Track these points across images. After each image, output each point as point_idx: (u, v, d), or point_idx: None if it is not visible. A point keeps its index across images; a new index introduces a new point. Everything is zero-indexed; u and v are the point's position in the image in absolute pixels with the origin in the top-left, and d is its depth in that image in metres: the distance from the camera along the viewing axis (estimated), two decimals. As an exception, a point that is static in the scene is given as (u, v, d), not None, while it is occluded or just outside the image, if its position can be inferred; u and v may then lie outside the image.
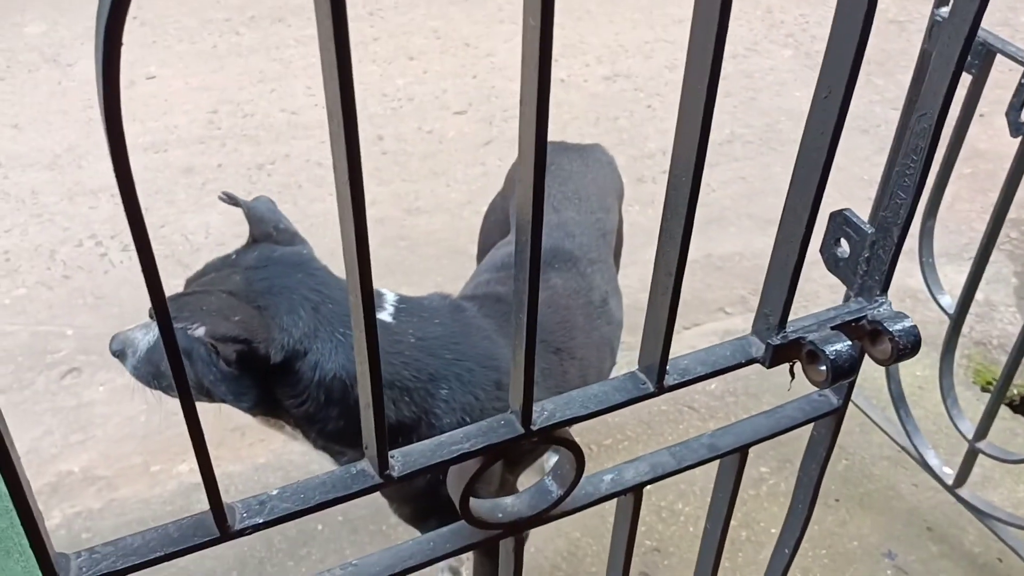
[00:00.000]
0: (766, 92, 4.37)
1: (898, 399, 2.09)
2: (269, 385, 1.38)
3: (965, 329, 3.12)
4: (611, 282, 1.89)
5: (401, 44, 4.62)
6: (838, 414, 0.97)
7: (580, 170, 2.01)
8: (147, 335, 1.53)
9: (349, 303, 1.17)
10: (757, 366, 0.83)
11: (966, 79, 1.73)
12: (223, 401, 1.41)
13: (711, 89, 0.62)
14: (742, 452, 0.93)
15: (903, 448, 2.04)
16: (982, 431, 2.03)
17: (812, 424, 0.99)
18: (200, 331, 1.29)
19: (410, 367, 1.41)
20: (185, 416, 0.63)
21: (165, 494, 2.29)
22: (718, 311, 3.07)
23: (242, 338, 1.29)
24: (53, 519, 2.23)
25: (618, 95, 4.31)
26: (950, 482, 2.11)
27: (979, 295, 3.24)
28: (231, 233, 3.29)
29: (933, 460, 2.12)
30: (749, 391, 2.69)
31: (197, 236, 3.29)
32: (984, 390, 2.77)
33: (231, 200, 1.57)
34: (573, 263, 1.77)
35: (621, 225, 2.15)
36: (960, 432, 2.06)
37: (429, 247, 3.28)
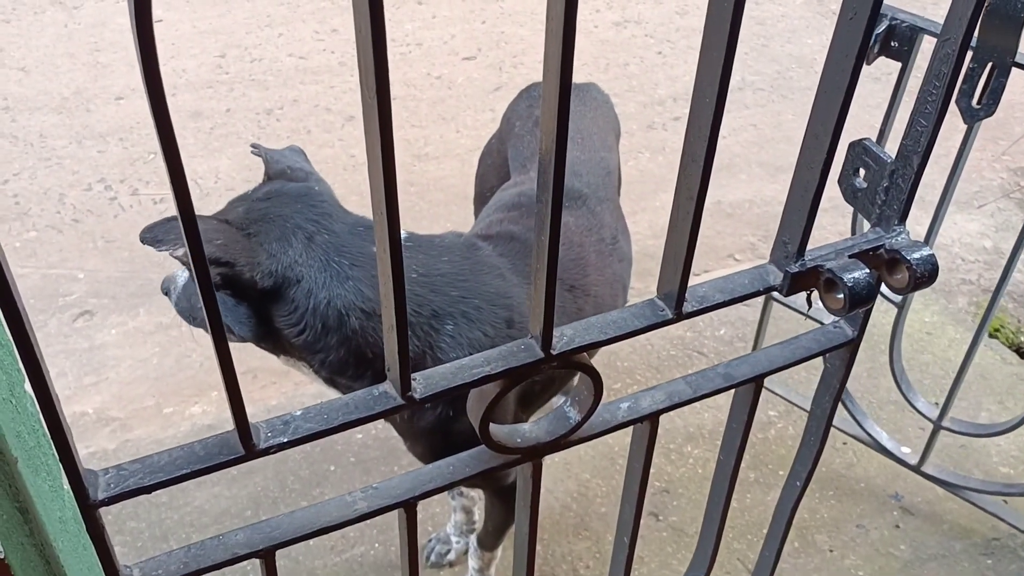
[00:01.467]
0: (777, 39, 4.32)
1: (897, 342, 2.08)
2: (266, 314, 1.39)
3: (973, 276, 3.12)
4: (619, 220, 1.89)
5: (410, -12, 4.57)
6: (852, 345, 0.97)
7: (579, 110, 2.00)
8: (185, 272, 1.53)
9: (349, 234, 1.18)
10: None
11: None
12: (233, 333, 1.42)
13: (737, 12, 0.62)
14: (757, 382, 0.94)
15: (904, 394, 2.05)
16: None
17: (825, 356, 0.99)
18: (179, 252, 1.31)
19: (410, 302, 1.41)
20: (213, 340, 0.64)
21: (178, 435, 2.31)
22: (728, 258, 3.07)
23: (223, 260, 1.30)
24: (69, 458, 2.26)
25: (628, 41, 4.27)
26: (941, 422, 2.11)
27: (988, 243, 3.23)
28: (241, 178, 3.29)
29: (922, 406, 2.11)
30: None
31: (207, 181, 3.29)
32: (992, 337, 2.78)
33: (258, 150, 1.58)
34: (583, 201, 1.77)
35: (619, 163, 2.14)
36: (921, 413, 2.06)
37: (438, 192, 3.27)
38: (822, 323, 2.10)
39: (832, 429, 2.20)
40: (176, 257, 1.32)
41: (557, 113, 0.63)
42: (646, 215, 3.24)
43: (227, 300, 1.35)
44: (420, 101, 3.76)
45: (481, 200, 2.16)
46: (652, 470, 1.70)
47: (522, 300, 1.52)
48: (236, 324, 1.38)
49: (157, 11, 4.28)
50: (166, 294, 1.59)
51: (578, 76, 4.09)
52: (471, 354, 1.46)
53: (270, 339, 1.43)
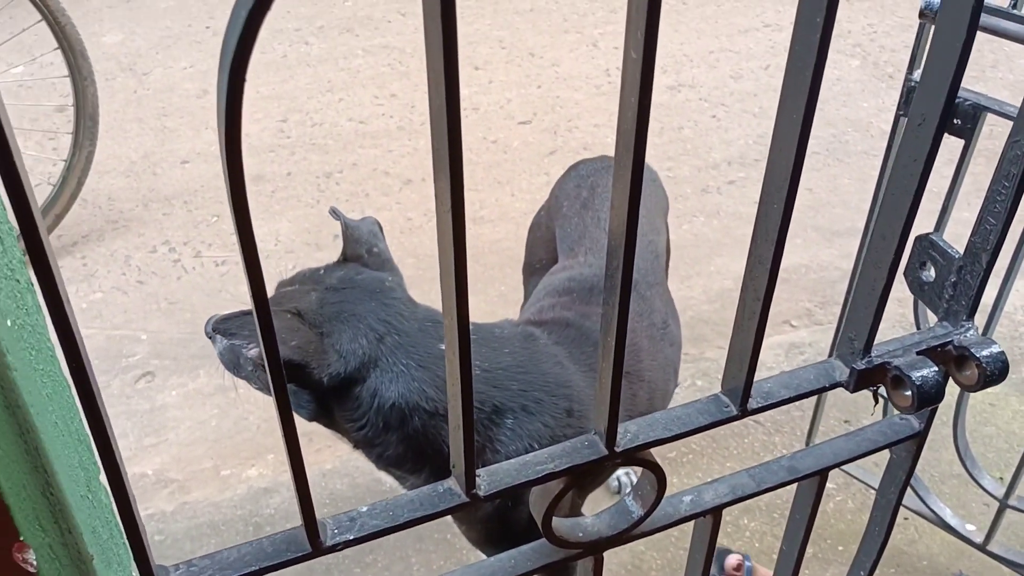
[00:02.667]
0: (832, 103, 4.31)
1: (961, 418, 2.04)
2: (328, 404, 1.40)
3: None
4: (669, 304, 1.89)
5: (467, 54, 4.65)
6: (919, 438, 0.95)
7: None
8: None
9: (417, 332, 1.19)
10: (841, 390, 0.82)
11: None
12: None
13: (808, 114, 0.62)
14: (821, 475, 0.93)
15: (969, 471, 2.00)
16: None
17: (891, 448, 0.97)
18: (253, 352, 1.33)
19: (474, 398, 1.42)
20: (287, 446, 0.65)
21: (235, 498, 2.33)
22: (784, 324, 3.04)
23: (296, 362, 1.31)
24: (128, 519, 2.28)
25: (682, 105, 4.29)
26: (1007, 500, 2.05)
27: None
28: (300, 241, 3.35)
29: (987, 484, 2.05)
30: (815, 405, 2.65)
31: (267, 243, 3.34)
32: (1059, 408, 2.70)
33: (337, 216, 1.60)
34: (634, 287, 1.76)
35: (668, 241, 2.14)
36: (987, 491, 2.00)
37: (493, 255, 3.29)
38: (881, 396, 2.07)
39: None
40: (249, 357, 1.34)
41: (627, 217, 0.63)
42: (700, 280, 3.22)
43: (290, 385, 1.37)
44: (476, 165, 3.81)
45: (530, 270, 2.17)
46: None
47: (581, 388, 1.52)
48: (296, 407, 1.40)
49: (222, 77, 4.40)
50: (209, 337, 1.60)
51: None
52: (530, 446, 1.47)
53: (328, 423, 1.45)
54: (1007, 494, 1.94)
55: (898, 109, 1.56)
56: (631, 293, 1.81)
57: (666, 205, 2.13)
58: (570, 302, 1.71)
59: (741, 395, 0.78)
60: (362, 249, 1.54)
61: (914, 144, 0.69)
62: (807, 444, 2.35)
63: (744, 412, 0.79)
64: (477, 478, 0.73)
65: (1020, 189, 0.75)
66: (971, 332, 0.83)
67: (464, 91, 4.33)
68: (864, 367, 0.80)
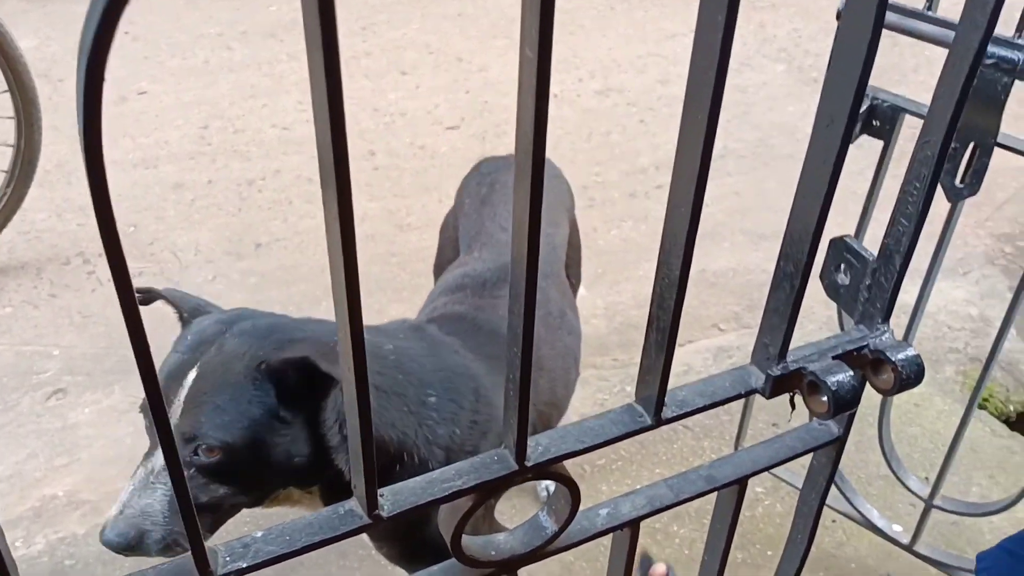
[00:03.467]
0: (759, 107, 4.37)
1: (886, 418, 2.06)
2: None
3: (959, 344, 3.10)
4: (567, 295, 1.92)
5: (393, 59, 4.61)
6: (839, 443, 0.94)
7: None
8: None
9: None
10: (757, 398, 0.81)
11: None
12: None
13: (713, 113, 0.60)
14: (741, 484, 0.91)
15: (894, 472, 2.02)
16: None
17: (812, 454, 0.97)
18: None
19: (399, 371, 1.45)
20: (169, 469, 0.61)
21: (152, 517, 2.25)
22: (712, 327, 3.05)
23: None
24: (36, 545, 2.19)
25: (611, 110, 4.30)
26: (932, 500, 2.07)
27: (973, 310, 3.23)
28: (220, 250, 3.27)
29: (914, 484, 2.07)
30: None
31: (186, 253, 3.26)
32: (981, 407, 2.76)
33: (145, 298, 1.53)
34: None
35: (576, 236, 2.14)
36: (912, 492, 2.03)
37: (420, 263, 3.26)
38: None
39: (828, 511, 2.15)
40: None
41: (529, 223, 0.61)
42: (629, 284, 3.23)
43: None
44: (403, 171, 3.77)
45: (439, 270, 2.17)
46: (637, 552, 1.67)
47: (482, 373, 1.53)
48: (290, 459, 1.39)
49: (141, 83, 4.31)
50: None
51: (561, 144, 4.11)
52: (453, 432, 1.46)
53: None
54: (932, 494, 1.96)
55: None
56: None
57: (570, 201, 2.14)
58: (463, 297, 1.73)
59: (655, 404, 0.77)
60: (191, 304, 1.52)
61: (823, 145, 0.68)
62: (736, 447, 2.36)
63: (659, 422, 0.77)
64: (380, 498, 0.69)
65: (931, 190, 0.75)
66: (887, 335, 0.83)
67: (391, 96, 4.29)
68: (780, 373, 0.79)
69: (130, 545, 1.30)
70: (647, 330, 0.76)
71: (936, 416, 2.69)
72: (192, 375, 1.31)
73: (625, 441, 2.62)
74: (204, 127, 4.02)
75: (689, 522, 2.31)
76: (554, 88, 4.46)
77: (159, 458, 1.29)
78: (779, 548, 2.27)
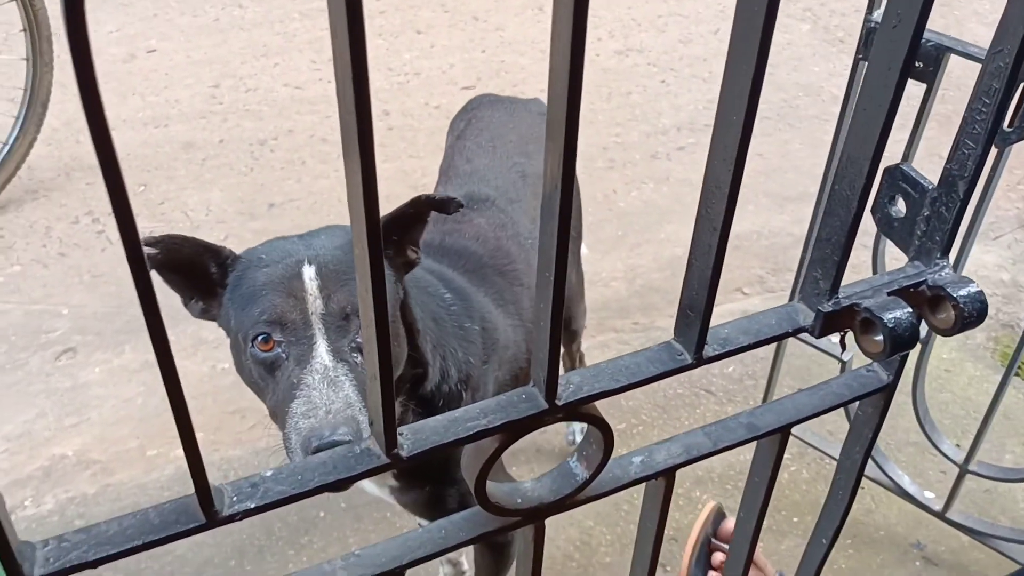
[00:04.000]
0: (783, 67, 4.28)
1: (920, 382, 2.00)
2: None
3: (991, 311, 3.03)
4: (535, 220, 1.92)
5: (408, 18, 4.53)
6: (887, 391, 0.89)
7: (501, 120, 2.04)
8: None
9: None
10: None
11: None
12: None
13: (758, 75, 0.54)
14: (783, 433, 0.86)
15: (928, 436, 1.96)
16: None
17: (857, 403, 0.91)
18: None
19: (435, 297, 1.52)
20: (164, 381, 0.56)
21: (162, 479, 2.23)
22: (736, 291, 2.99)
23: None
24: (46, 504, 2.17)
25: (631, 70, 4.22)
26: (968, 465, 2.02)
27: (1005, 275, 3.15)
28: (232, 211, 3.22)
29: (947, 449, 2.02)
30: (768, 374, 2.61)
31: (198, 213, 3.22)
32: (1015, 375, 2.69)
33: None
34: (490, 203, 1.81)
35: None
36: (947, 457, 1.97)
37: (436, 225, 3.20)
38: (841, 360, 2.02)
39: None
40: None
41: (563, 164, 0.55)
42: (650, 247, 3.16)
43: None
44: (418, 131, 3.70)
45: None
46: (711, 507, 1.62)
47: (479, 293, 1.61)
48: None
49: (151, 41, 4.25)
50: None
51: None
52: (468, 361, 1.45)
53: None
54: (967, 459, 1.91)
55: (857, 52, 1.51)
56: (491, 208, 1.85)
57: None
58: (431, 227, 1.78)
59: (696, 341, 0.71)
60: None
61: (888, 49, 0.62)
62: (761, 412, 2.30)
63: (699, 360, 0.72)
64: (399, 436, 0.64)
65: (1002, 106, 0.69)
66: (946, 271, 0.77)
67: (405, 55, 4.21)
68: (831, 310, 0.74)
69: (357, 437, 1.25)
70: (689, 260, 0.70)
71: (968, 382, 2.63)
72: (310, 268, 1.26)
73: (647, 406, 2.55)
74: (215, 86, 3.96)
75: (712, 487, 2.27)
76: (573, 48, 4.37)
77: (321, 357, 1.22)
78: (804, 515, 2.23)
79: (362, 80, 0.48)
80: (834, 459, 2.23)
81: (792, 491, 2.28)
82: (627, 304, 2.89)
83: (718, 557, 1.85)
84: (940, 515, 2.01)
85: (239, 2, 4.61)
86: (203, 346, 2.62)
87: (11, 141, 3.10)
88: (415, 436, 0.65)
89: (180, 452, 2.32)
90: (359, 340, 1.23)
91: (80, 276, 2.92)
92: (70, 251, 3.02)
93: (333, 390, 1.19)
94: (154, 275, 1.35)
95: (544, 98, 2.27)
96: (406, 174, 3.45)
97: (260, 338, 1.23)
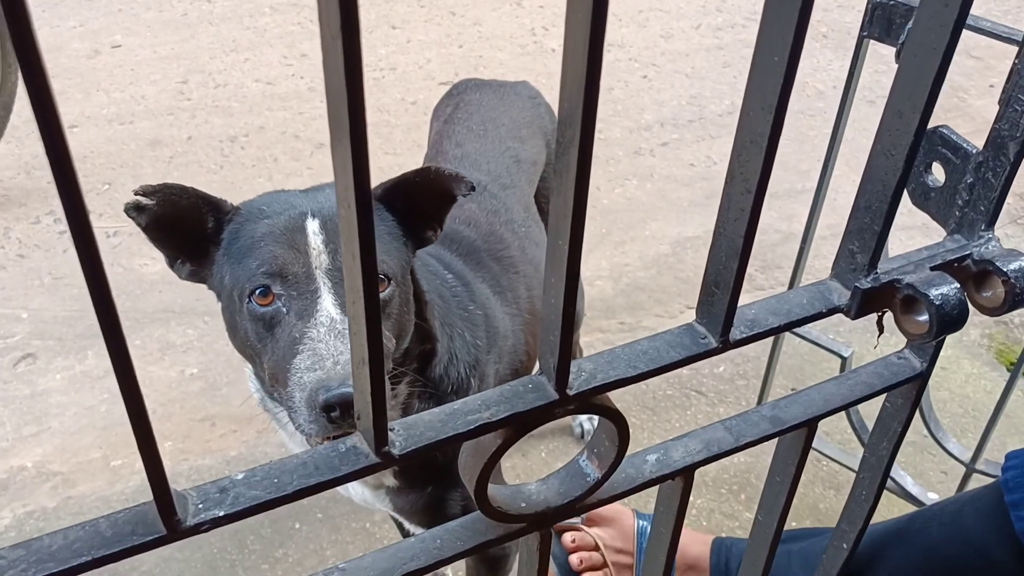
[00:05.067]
0: (767, 62, 4.22)
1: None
2: None
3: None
4: (531, 211, 1.87)
5: (383, 12, 4.46)
6: (921, 380, 0.82)
7: (491, 103, 1.98)
8: None
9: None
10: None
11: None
12: None
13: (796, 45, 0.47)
14: (810, 426, 0.79)
15: (933, 434, 1.91)
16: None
17: (887, 392, 0.84)
18: None
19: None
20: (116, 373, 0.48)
21: (127, 491, 2.13)
22: (724, 289, 2.93)
23: None
24: (3, 519, 2.07)
25: (612, 65, 4.16)
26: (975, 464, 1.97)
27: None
28: (201, 209, 3.13)
29: (953, 448, 1.97)
30: (760, 374, 2.55)
31: (164, 213, 3.12)
32: (1009, 370, 2.65)
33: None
34: (482, 188, 1.74)
35: (538, 157, 2.06)
36: (953, 456, 1.92)
37: (414, 223, 3.12)
38: (841, 356, 1.96)
39: (848, 472, 2.03)
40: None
41: (580, 141, 0.48)
42: (635, 245, 3.10)
43: None
44: (394, 128, 3.63)
45: None
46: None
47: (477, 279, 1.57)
48: None
49: (115, 36, 4.15)
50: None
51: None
52: (476, 344, 1.39)
53: None
54: (974, 458, 1.85)
55: (861, 30, 1.45)
56: (483, 194, 1.79)
57: (546, 124, 2.05)
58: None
59: (722, 322, 0.64)
60: None
61: (928, 31, 0.55)
62: (756, 413, 2.23)
63: (726, 344, 0.65)
64: (391, 432, 0.57)
65: (1064, 55, 0.62)
66: (993, 243, 0.71)
67: (380, 51, 4.14)
68: (870, 286, 0.67)
69: None
70: (716, 228, 0.63)
71: (964, 380, 2.58)
72: (313, 222, 1.18)
73: (635, 407, 2.46)
74: (183, 82, 3.86)
75: (706, 492, 2.20)
76: (552, 43, 4.31)
77: (327, 309, 1.12)
78: (802, 519, 2.16)
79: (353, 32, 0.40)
80: (832, 460, 2.17)
81: (807, 489, 2.22)
82: (613, 304, 2.82)
83: (567, 538, 1.79)
84: (945, 517, 1.95)
85: (207, -3, 4.51)
86: (171, 350, 2.53)
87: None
88: (408, 432, 0.58)
89: (147, 461, 2.23)
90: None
91: (40, 278, 2.81)
92: (30, 252, 2.92)
93: (341, 341, 1.09)
94: (164, 266, 1.26)
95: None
96: (383, 171, 3.36)
97: (258, 291, 1.14)
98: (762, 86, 0.54)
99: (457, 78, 3.98)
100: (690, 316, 2.87)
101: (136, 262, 2.76)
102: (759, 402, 2.18)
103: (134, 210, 1.14)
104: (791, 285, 2.02)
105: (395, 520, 1.75)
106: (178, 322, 2.60)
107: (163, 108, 3.68)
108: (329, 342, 1.09)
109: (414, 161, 3.44)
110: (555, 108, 2.18)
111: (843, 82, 1.66)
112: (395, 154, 3.48)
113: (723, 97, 3.99)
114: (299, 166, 3.36)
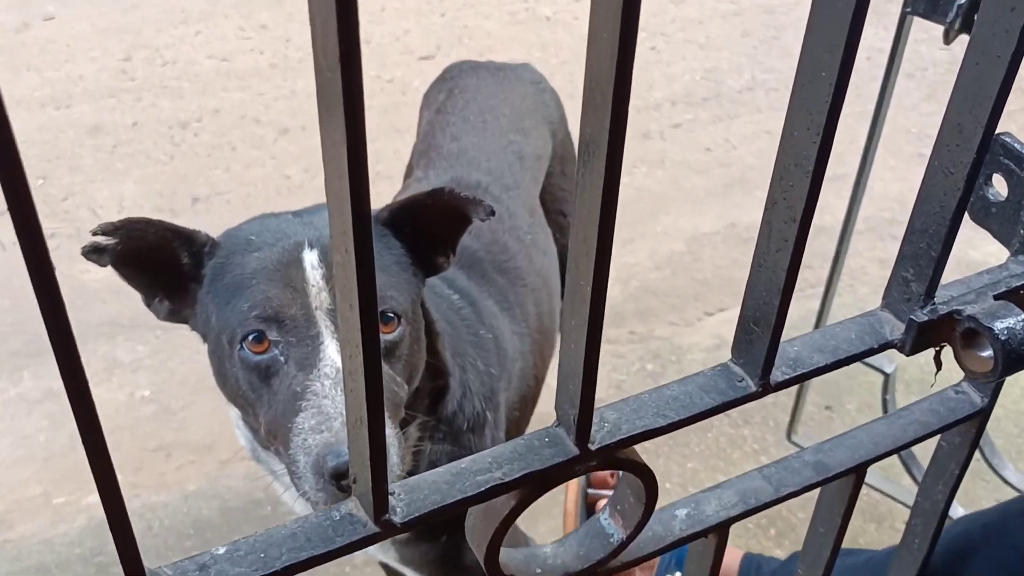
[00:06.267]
0: (790, 30, 4.25)
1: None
2: None
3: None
4: (535, 214, 1.87)
5: (352, -23, 4.46)
6: (982, 416, 0.83)
7: (489, 90, 1.97)
8: None
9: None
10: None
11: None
12: None
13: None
14: (858, 473, 0.80)
15: (988, 461, 1.93)
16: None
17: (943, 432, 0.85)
18: None
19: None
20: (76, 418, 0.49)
21: (72, 532, 2.14)
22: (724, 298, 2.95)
23: None
24: (-69, 566, 2.07)
25: (616, 35, 4.17)
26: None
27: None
28: (150, 205, 3.14)
29: (1011, 476, 1.99)
30: (790, 390, 2.56)
31: (108, 210, 3.12)
32: (1072, 382, 2.67)
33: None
34: (483, 190, 1.72)
35: (568, 166, 2.05)
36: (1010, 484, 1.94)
37: (393, 220, 3.13)
38: (884, 372, 1.98)
39: (895, 504, 2.04)
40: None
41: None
42: (645, 242, 3.11)
43: None
44: (369, 109, 3.60)
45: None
46: None
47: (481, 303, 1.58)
48: None
49: (48, 7, 4.15)
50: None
51: (558, 75, 3.98)
52: (489, 372, 1.39)
53: None
54: (1037, 487, 1.87)
55: (905, 6, 1.46)
56: (483, 196, 1.79)
57: (549, 111, 2.06)
58: None
59: (762, 364, 0.65)
60: None
61: (994, 33, 0.56)
62: (788, 436, 2.25)
63: (766, 388, 0.66)
64: (391, 496, 0.57)
65: None
66: (1065, 267, 0.71)
67: (351, 21, 4.14)
68: (927, 319, 0.67)
69: None
70: (755, 260, 0.64)
71: (1020, 396, 2.60)
72: (311, 254, 1.17)
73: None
74: (126, 59, 3.87)
75: (733, 527, 2.21)
76: (546, 9, 4.32)
77: (331, 358, 1.11)
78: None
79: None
80: (873, 488, 2.19)
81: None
82: (621, 310, 2.83)
83: (601, 503, 1.85)
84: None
85: (152, -40, 4.52)
86: (118, 369, 2.53)
87: None
88: (410, 496, 0.58)
89: (93, 499, 2.23)
90: (383, 338, 1.15)
91: (-32, 288, 2.82)
92: (-45, 259, 2.92)
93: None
94: (108, 273, 1.24)
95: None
96: (356, 160, 3.38)
97: (251, 337, 1.13)
98: (807, 104, 0.55)
99: (439, 51, 3.99)
100: (709, 324, 2.89)
101: (76, 268, 2.76)
102: (790, 424, 2.19)
103: (93, 252, 1.10)
104: (827, 288, 2.04)
105: (388, 570, 1.71)
106: (126, 337, 2.61)
107: (104, 90, 3.69)
108: (335, 397, 1.08)
109: (391, 147, 3.45)
110: (559, 98, 2.19)
111: (876, 52, 1.68)
112: (370, 139, 3.46)
113: (742, 70, 4.00)
114: (261, 155, 3.36)
